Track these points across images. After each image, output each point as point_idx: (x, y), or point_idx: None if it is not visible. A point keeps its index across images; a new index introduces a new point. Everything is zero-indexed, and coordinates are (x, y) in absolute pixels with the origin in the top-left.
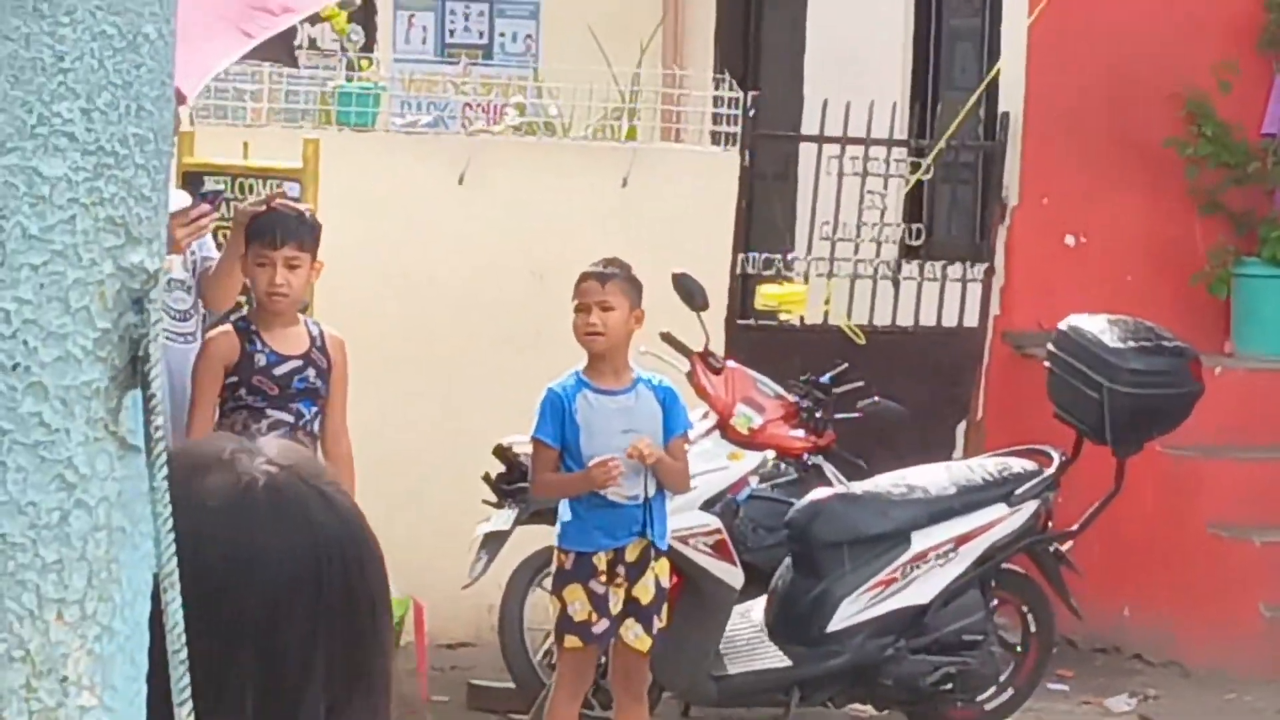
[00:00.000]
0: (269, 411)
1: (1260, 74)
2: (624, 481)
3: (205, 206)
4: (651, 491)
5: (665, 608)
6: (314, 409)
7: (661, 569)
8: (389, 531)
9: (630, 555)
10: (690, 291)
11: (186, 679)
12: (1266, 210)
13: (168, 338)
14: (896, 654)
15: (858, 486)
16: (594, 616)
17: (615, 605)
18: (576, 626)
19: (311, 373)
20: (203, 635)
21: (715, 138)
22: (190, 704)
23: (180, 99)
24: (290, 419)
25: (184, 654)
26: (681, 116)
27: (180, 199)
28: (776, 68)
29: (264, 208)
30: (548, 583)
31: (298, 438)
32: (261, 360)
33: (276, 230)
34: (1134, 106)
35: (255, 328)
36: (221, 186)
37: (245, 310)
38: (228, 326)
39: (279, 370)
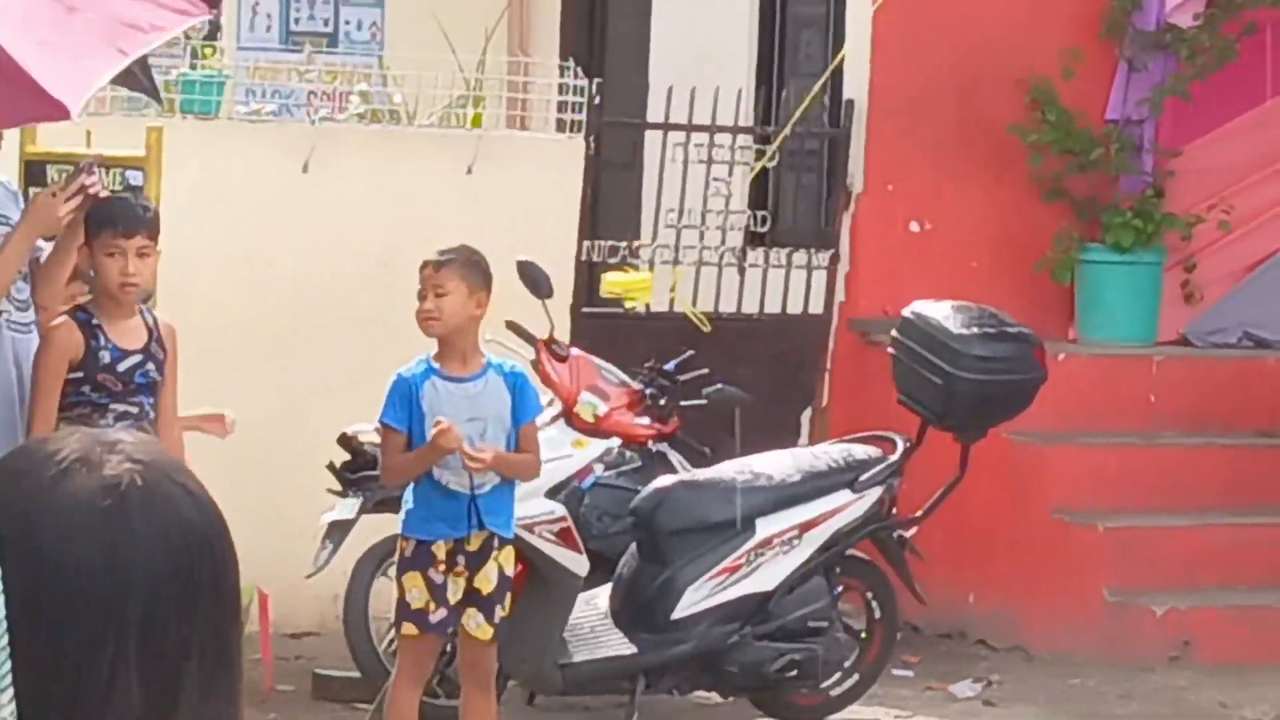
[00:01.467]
0: (113, 406)
1: (1103, 61)
2: (459, 470)
3: (91, 179)
4: (482, 485)
5: (509, 596)
6: (152, 400)
7: (506, 558)
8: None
9: (472, 545)
10: (535, 279)
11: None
12: (1109, 197)
13: (10, 328)
14: (741, 641)
15: (702, 474)
16: (431, 605)
17: (454, 594)
18: (414, 614)
19: (151, 366)
20: (89, 633)
21: (561, 125)
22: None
23: (64, 113)
24: (134, 411)
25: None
26: (527, 104)
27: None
28: (622, 55)
29: (77, 194)
30: (393, 571)
31: (142, 427)
32: (106, 357)
33: (128, 219)
34: (978, 93)
35: (97, 321)
36: (91, 161)
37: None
38: (66, 319)
39: (122, 366)
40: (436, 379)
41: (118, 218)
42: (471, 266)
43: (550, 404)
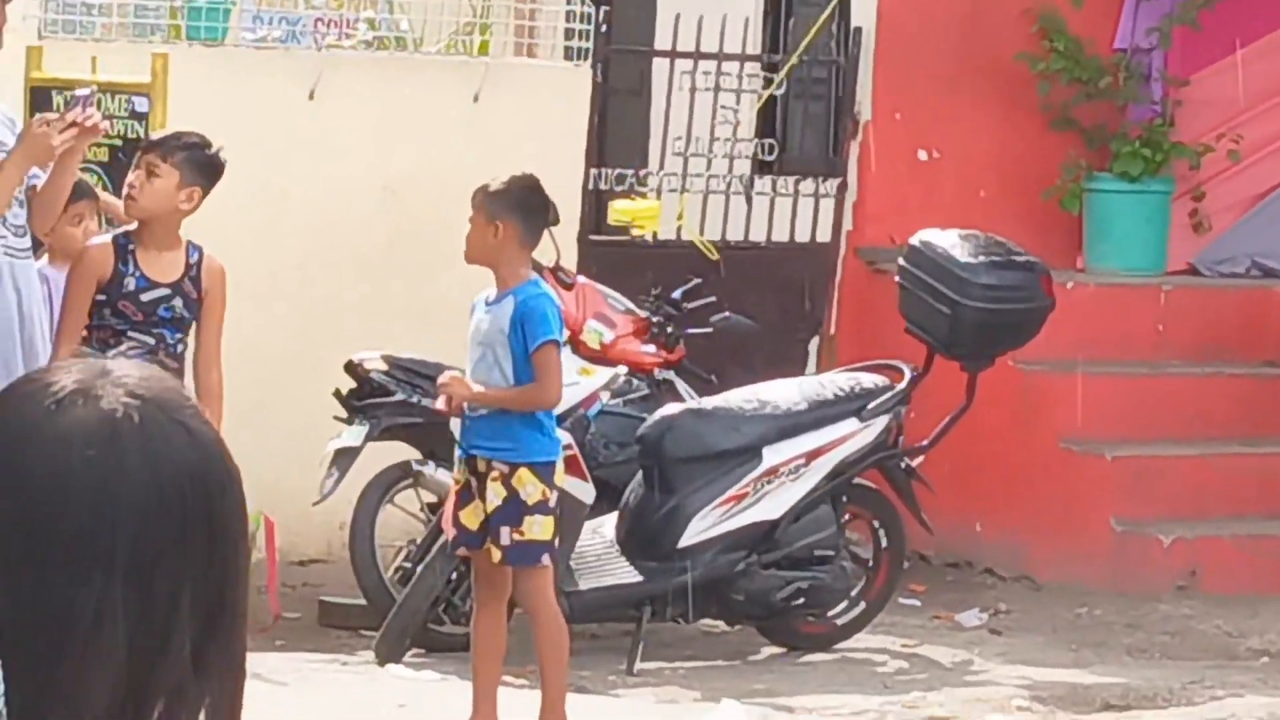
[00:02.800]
0: (131, 334)
1: None
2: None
3: (88, 110)
4: (476, 410)
5: (532, 520)
6: (178, 335)
7: (519, 480)
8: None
9: (479, 467)
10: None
11: None
12: (1118, 125)
13: (8, 253)
14: (748, 569)
15: (709, 402)
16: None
17: (476, 515)
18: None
19: (179, 302)
20: (74, 569)
21: (568, 53)
22: None
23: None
24: (151, 342)
25: None
26: (534, 31)
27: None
28: None
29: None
30: (399, 499)
31: (161, 360)
32: (130, 285)
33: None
34: (986, 21)
35: (133, 246)
36: (89, 91)
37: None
38: (107, 239)
39: (146, 297)
40: (482, 304)
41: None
42: (494, 196)
43: None
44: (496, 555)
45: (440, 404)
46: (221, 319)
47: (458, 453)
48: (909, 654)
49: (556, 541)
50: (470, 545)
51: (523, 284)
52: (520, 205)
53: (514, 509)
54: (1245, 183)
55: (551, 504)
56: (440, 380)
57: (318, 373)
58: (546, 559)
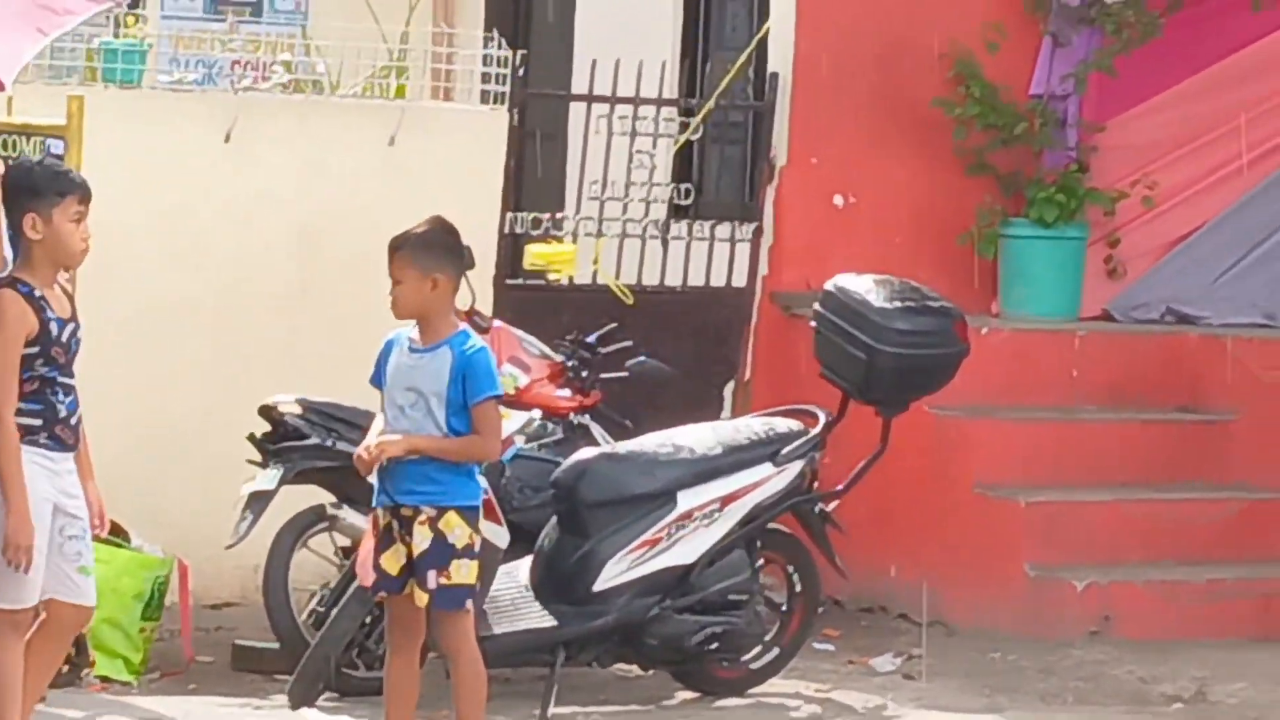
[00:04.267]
0: (60, 379)
1: (1028, 35)
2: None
3: None
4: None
5: (459, 564)
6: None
7: (446, 524)
8: (155, 491)
9: (405, 510)
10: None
11: None
12: (1033, 171)
13: None
14: (662, 613)
15: (624, 446)
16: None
17: (391, 560)
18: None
19: (80, 332)
20: None
21: (485, 96)
22: None
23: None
24: (74, 383)
25: None
26: (451, 75)
27: None
28: (547, 26)
29: None
30: (314, 542)
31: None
32: (54, 329)
33: (85, 185)
34: (903, 67)
35: (40, 293)
36: None
37: (7, 271)
38: (8, 291)
39: (64, 336)
40: (404, 346)
41: (78, 184)
42: (423, 249)
43: None
44: (423, 599)
45: (361, 453)
46: None
47: (375, 497)
48: (823, 699)
49: (478, 586)
50: (390, 590)
51: (456, 334)
52: (451, 253)
53: (441, 552)
54: (1160, 229)
55: (477, 548)
56: (371, 449)
57: (233, 416)
58: (470, 603)
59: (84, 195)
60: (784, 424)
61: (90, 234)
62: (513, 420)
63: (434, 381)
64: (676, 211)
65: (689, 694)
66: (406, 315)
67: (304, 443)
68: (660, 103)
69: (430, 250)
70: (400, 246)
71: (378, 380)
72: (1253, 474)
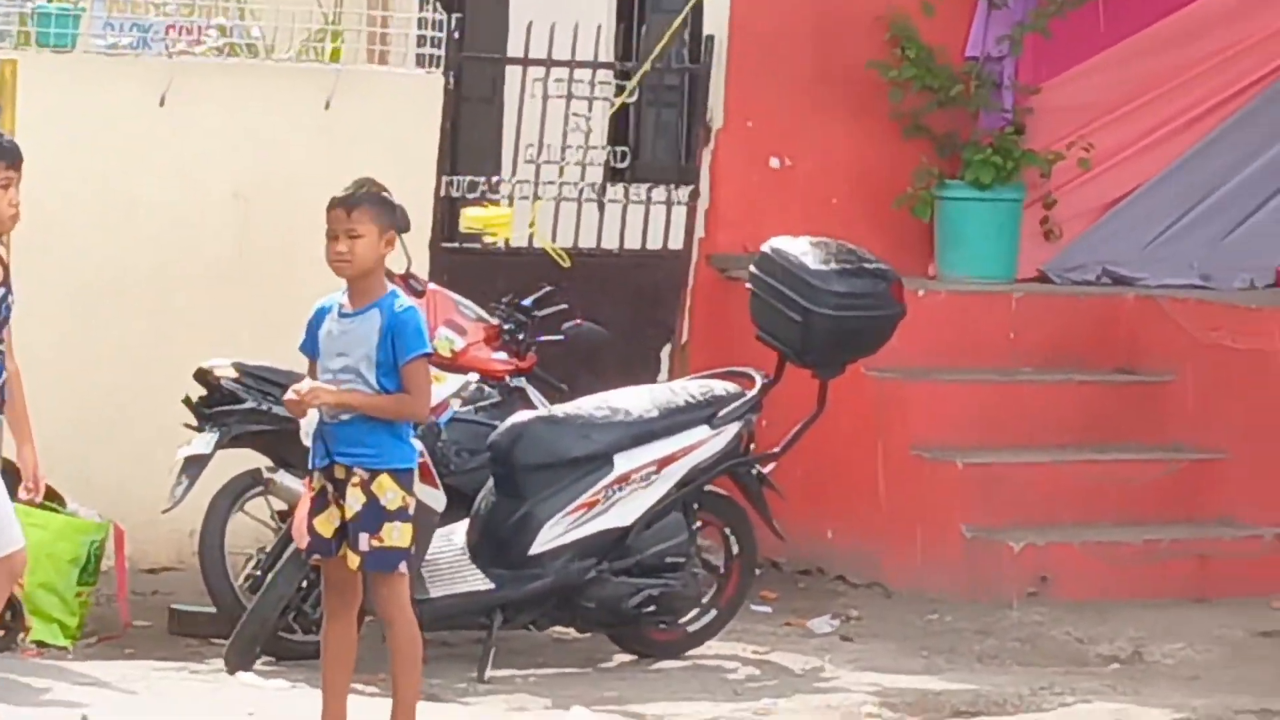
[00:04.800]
0: None
1: None
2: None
3: None
4: (335, 416)
5: (391, 526)
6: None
7: (379, 487)
8: (90, 456)
9: (338, 473)
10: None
11: None
12: (969, 133)
13: None
14: (599, 576)
15: (560, 409)
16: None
17: (325, 523)
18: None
19: (12, 298)
20: None
21: (420, 60)
22: None
23: None
24: (3, 348)
25: None
26: (386, 39)
27: None
28: None
29: None
30: (249, 506)
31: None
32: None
33: (9, 150)
34: (839, 30)
35: None
36: None
37: None
38: None
39: None
40: (335, 312)
41: (7, 149)
42: (382, 205)
43: None
44: (355, 561)
45: (291, 395)
46: None
47: (311, 459)
48: (760, 660)
49: (413, 549)
50: (324, 553)
51: (386, 295)
52: (399, 213)
53: (374, 515)
54: (1096, 190)
55: (410, 511)
56: (301, 390)
57: (168, 380)
58: (404, 566)
59: (12, 161)
60: (721, 386)
61: (19, 200)
62: (449, 383)
63: (363, 344)
64: (613, 175)
65: (626, 656)
66: (359, 272)
67: (239, 407)
68: (596, 66)
69: (386, 206)
70: (361, 201)
71: (308, 348)
72: (1189, 435)
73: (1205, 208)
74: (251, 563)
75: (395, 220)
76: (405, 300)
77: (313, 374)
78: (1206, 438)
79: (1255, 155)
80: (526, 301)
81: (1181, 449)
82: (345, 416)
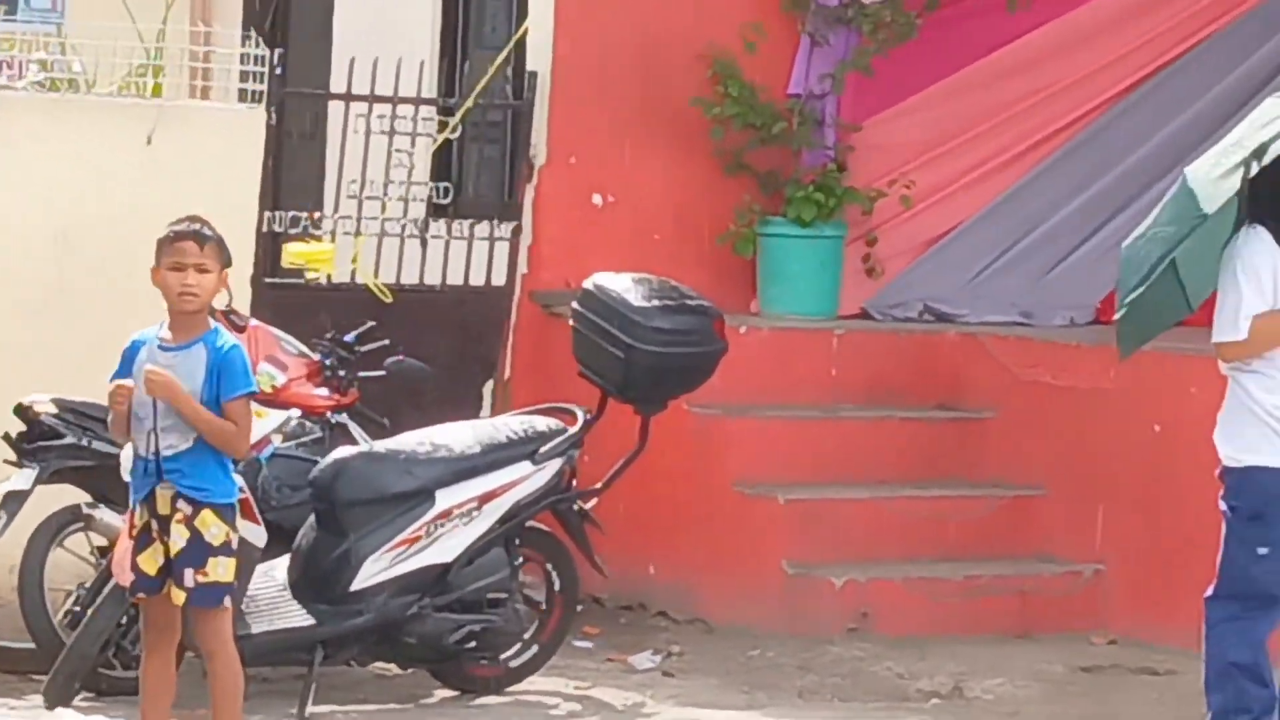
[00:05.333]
0: None
1: (786, 35)
2: (141, 433)
3: None
4: (170, 448)
5: (216, 562)
6: None
7: (203, 522)
8: None
9: (161, 508)
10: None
11: None
12: (791, 170)
13: None
14: (421, 612)
15: (382, 444)
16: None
17: (148, 560)
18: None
19: None
20: None
21: (242, 95)
22: None
23: None
24: None
25: None
26: (208, 74)
27: None
28: (305, 25)
29: None
30: (69, 542)
31: None
32: None
33: None
34: (662, 66)
35: None
36: None
37: None
38: None
39: None
40: (155, 345)
41: None
42: (223, 243)
43: None
44: (180, 597)
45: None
46: None
47: (131, 495)
48: (582, 696)
49: (235, 584)
50: (149, 590)
51: (210, 331)
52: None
53: (198, 550)
54: (917, 228)
55: (234, 546)
56: (147, 368)
57: None
58: (228, 601)
59: None
60: (543, 422)
61: None
62: (270, 419)
63: (189, 379)
64: (435, 210)
65: (448, 692)
66: (202, 306)
67: (59, 442)
68: (419, 102)
69: (225, 245)
70: (209, 237)
71: (122, 378)
72: (1009, 471)
73: (1026, 245)
74: (71, 599)
75: (229, 258)
76: (229, 338)
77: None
78: (1026, 474)
79: (1075, 193)
80: (349, 337)
81: (1001, 485)
82: (183, 447)
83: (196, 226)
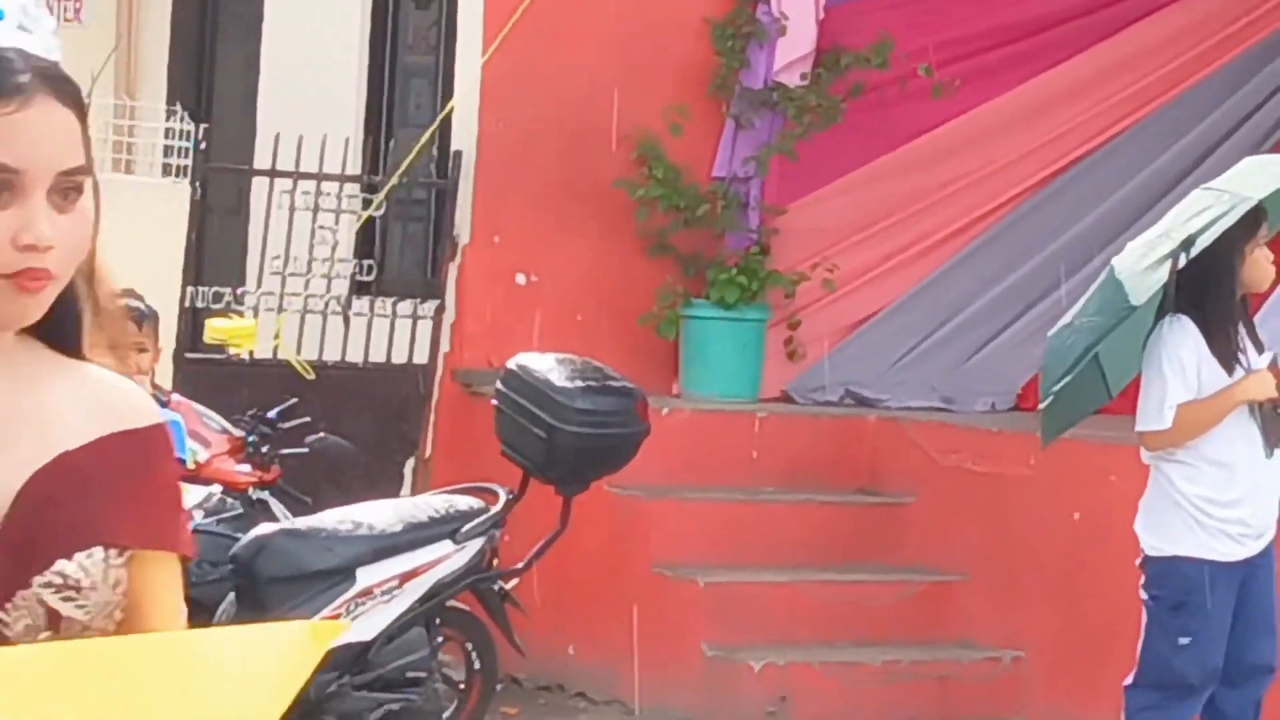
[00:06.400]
0: None
1: (711, 117)
2: None
3: None
4: None
5: None
6: None
7: None
8: None
9: None
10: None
11: None
12: (715, 253)
13: None
14: (340, 690)
15: (303, 522)
16: None
17: None
18: None
19: None
20: None
21: (167, 170)
22: None
23: None
24: None
25: None
26: (133, 148)
27: None
28: (230, 101)
29: None
30: None
31: None
32: None
33: None
34: (587, 147)
35: None
36: None
37: None
38: None
39: None
40: None
41: None
42: (158, 318)
43: None
44: None
45: None
46: None
47: None
48: None
49: None
50: None
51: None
52: None
53: None
54: (839, 312)
55: None
56: None
57: None
58: None
59: None
60: (464, 501)
61: None
62: (191, 495)
63: None
64: (359, 288)
65: None
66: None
67: None
68: (343, 179)
69: (158, 319)
70: (148, 315)
71: None
72: (929, 556)
73: (948, 330)
74: None
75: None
76: (165, 412)
77: None
78: (946, 560)
79: (997, 279)
80: (271, 414)
81: (921, 570)
82: None
83: (135, 304)
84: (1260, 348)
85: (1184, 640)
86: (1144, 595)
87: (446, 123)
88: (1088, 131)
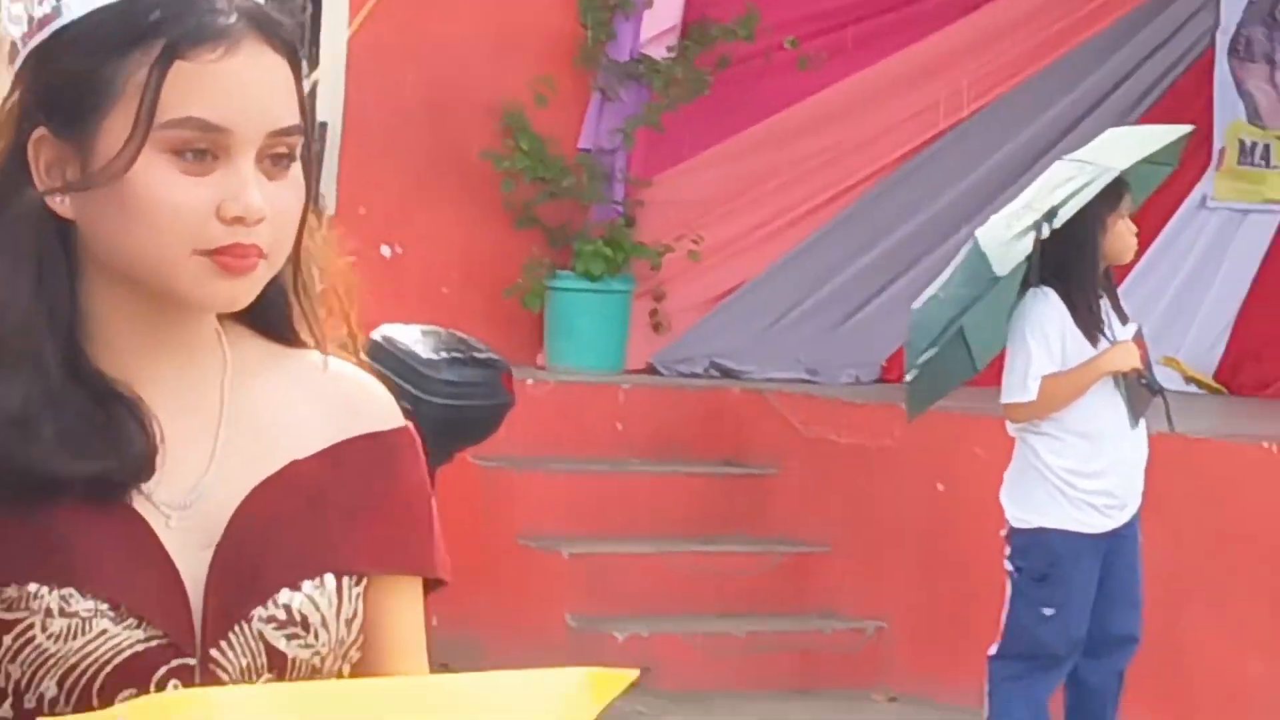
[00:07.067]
0: None
1: (578, 89)
2: None
3: None
4: None
5: None
6: None
7: None
8: None
9: None
10: None
11: None
12: (581, 225)
13: None
14: None
15: None
16: None
17: None
18: None
19: None
20: None
21: None
22: None
23: None
24: None
25: None
26: None
27: None
28: None
29: None
30: None
31: None
32: None
33: None
34: (453, 119)
35: None
36: None
37: None
38: None
39: None
40: None
41: None
42: None
43: None
44: None
45: None
46: None
47: None
48: None
49: None
50: None
51: None
52: None
53: None
54: (705, 284)
55: None
56: None
57: None
58: None
59: None
60: None
61: None
62: None
63: None
64: None
65: None
66: None
67: None
68: None
69: None
70: None
71: None
72: (793, 528)
73: (813, 303)
74: None
75: None
76: None
77: None
78: (809, 531)
79: (863, 252)
80: None
81: (785, 541)
82: None
83: None
84: (1124, 319)
85: (1048, 611)
86: (1009, 566)
87: (313, 93)
88: (955, 104)
